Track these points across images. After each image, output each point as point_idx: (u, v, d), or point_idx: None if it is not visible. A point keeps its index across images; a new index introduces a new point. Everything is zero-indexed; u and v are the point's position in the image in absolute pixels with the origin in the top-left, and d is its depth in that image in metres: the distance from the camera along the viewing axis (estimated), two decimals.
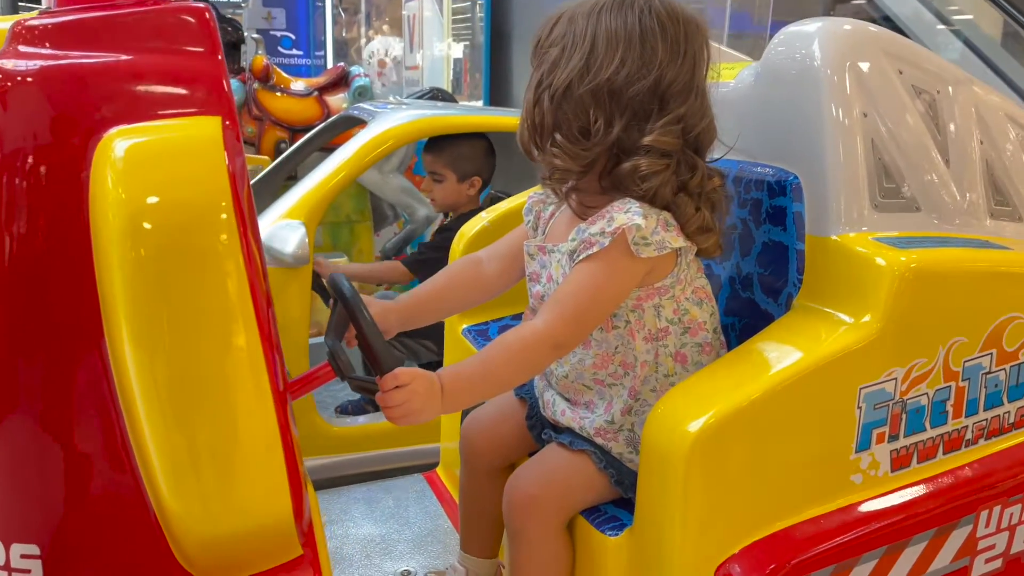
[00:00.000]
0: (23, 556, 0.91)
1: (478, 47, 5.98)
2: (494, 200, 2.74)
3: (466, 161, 2.38)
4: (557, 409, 1.29)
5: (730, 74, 1.41)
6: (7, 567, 0.91)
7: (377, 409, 1.12)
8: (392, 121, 2.35)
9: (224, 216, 0.83)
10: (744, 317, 1.37)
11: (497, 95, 5.20)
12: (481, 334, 1.82)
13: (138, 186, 0.82)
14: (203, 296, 0.83)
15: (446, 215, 2.55)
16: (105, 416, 0.89)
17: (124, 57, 0.89)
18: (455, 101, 3.76)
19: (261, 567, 0.95)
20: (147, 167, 0.83)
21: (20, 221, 0.86)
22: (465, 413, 1.72)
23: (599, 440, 1.23)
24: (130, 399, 0.86)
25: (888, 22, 4.30)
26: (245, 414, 0.86)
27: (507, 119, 2.56)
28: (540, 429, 1.37)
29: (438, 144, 2.39)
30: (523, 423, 1.40)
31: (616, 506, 1.24)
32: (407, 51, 7.28)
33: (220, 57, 0.91)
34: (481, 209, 2.53)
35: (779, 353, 1.14)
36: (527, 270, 1.32)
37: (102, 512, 0.91)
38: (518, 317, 1.81)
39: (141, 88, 0.88)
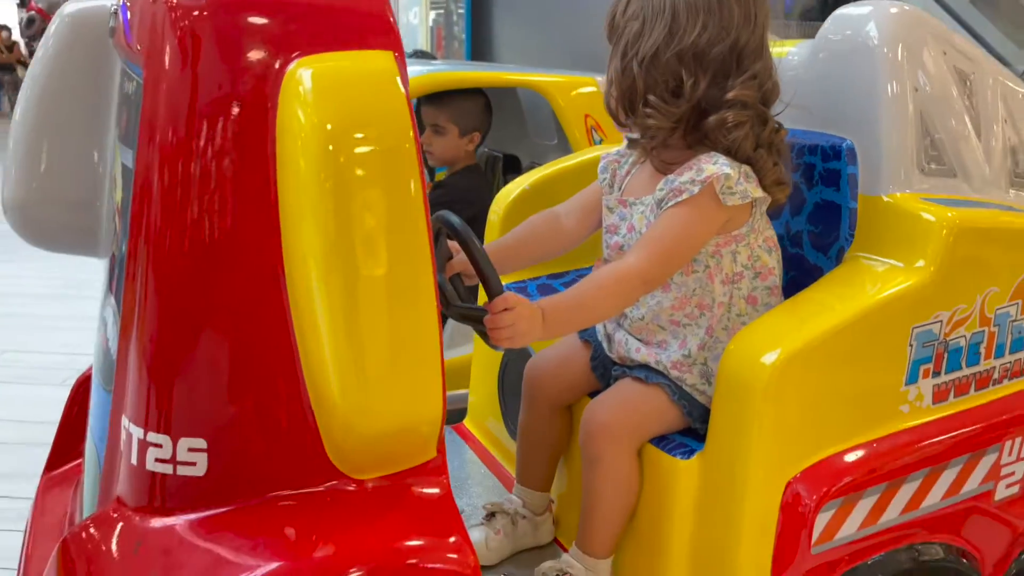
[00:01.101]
0: (190, 450, 0.99)
1: (451, 14, 6.06)
2: (490, 158, 2.82)
3: (469, 115, 2.44)
4: (631, 347, 1.41)
5: (783, 51, 1.55)
6: (173, 459, 0.99)
7: (484, 336, 1.22)
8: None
9: (408, 144, 0.92)
10: (791, 271, 1.50)
11: (478, 57, 5.27)
12: (520, 291, 1.93)
13: (330, 108, 0.91)
14: (390, 214, 0.92)
15: (432, 177, 2.59)
16: (278, 327, 0.97)
17: None
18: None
19: (404, 466, 1.04)
20: (336, 91, 0.92)
21: (209, 145, 0.94)
22: (504, 365, 1.83)
23: (675, 373, 1.35)
24: (305, 304, 0.95)
25: None
26: (414, 322, 0.96)
27: (509, 75, 2.64)
28: (605, 369, 1.49)
29: (441, 98, 2.42)
30: (586, 364, 1.51)
31: (682, 435, 1.36)
32: None
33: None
34: (476, 165, 2.61)
35: (842, 295, 1.28)
36: (605, 222, 1.44)
37: (267, 412, 1.00)
38: (554, 277, 1.93)
39: (318, 21, 0.96)
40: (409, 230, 0.95)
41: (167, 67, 0.95)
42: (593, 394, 1.51)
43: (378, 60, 0.95)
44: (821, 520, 1.22)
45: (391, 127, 0.93)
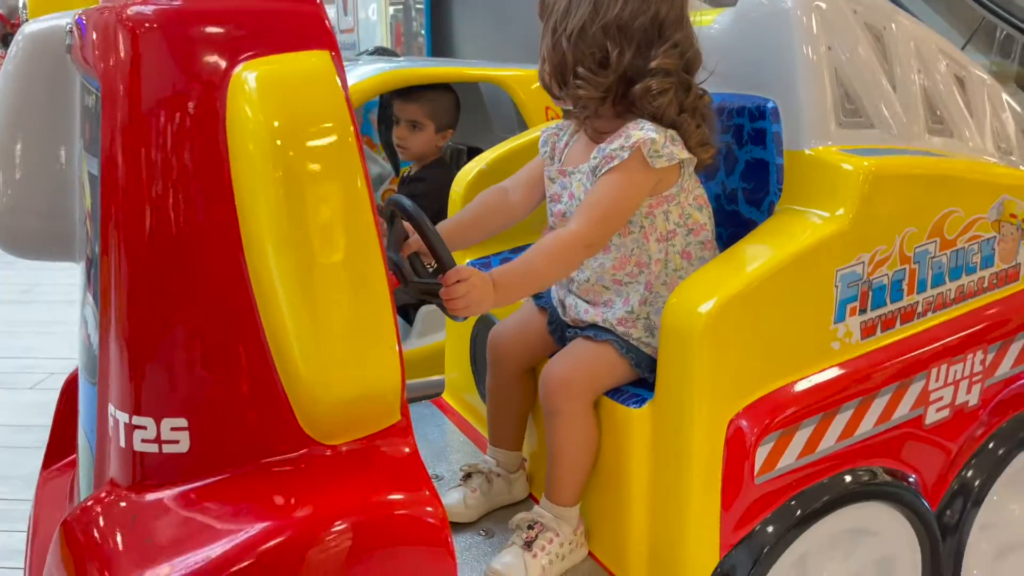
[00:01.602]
0: (173, 429, 1.08)
1: (410, 10, 6.08)
2: (455, 152, 2.91)
3: (444, 112, 2.53)
4: (580, 309, 1.51)
5: (708, 20, 1.64)
6: (158, 439, 1.09)
7: (442, 307, 1.31)
8: (371, 71, 2.49)
9: (349, 137, 1.01)
10: (730, 227, 1.60)
11: (439, 53, 5.33)
12: (484, 266, 2.03)
13: (275, 107, 0.99)
14: (337, 200, 1.01)
15: (397, 172, 2.66)
16: (243, 309, 1.06)
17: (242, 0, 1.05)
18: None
19: (372, 430, 1.14)
20: (280, 91, 1.01)
21: (166, 147, 1.03)
22: (473, 340, 1.93)
23: (621, 329, 1.45)
24: (267, 286, 1.04)
25: None
26: (367, 297, 1.05)
27: (474, 70, 2.73)
28: (561, 332, 1.59)
29: (418, 94, 2.51)
30: (544, 329, 1.61)
31: (634, 387, 1.46)
32: (340, 14, 7.34)
33: (320, 2, 1.08)
34: (443, 159, 2.70)
35: (770, 245, 1.38)
36: (548, 192, 1.53)
37: (240, 389, 1.09)
38: (516, 251, 2.02)
39: (258, 27, 1.04)
40: (356, 213, 1.04)
41: (122, 77, 1.03)
42: (553, 356, 1.61)
43: (316, 60, 1.04)
44: (762, 452, 1.32)
45: (332, 120, 1.02)
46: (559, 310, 1.58)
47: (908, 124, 1.57)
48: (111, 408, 1.12)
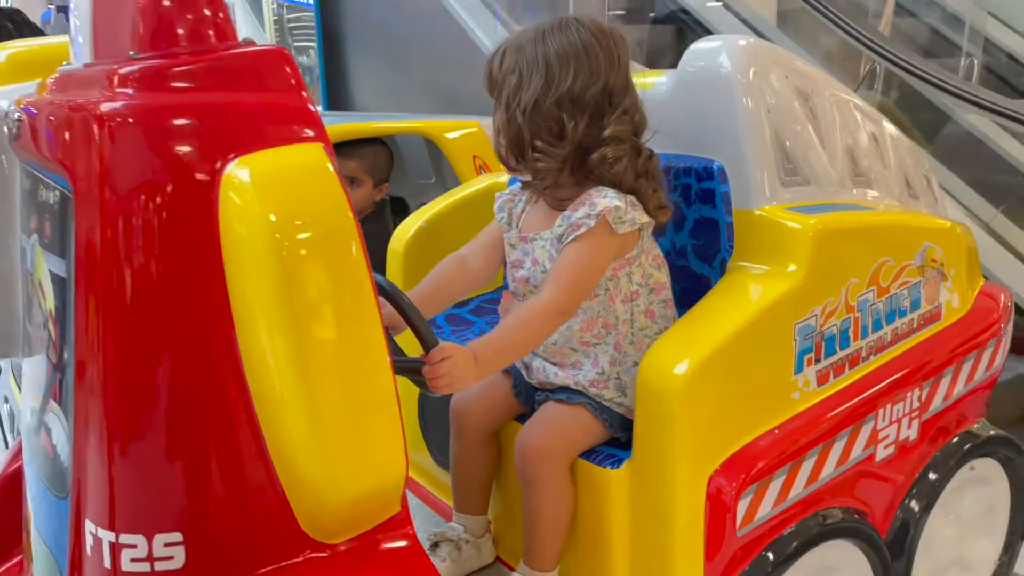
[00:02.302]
0: (167, 544, 1.02)
1: (303, 51, 6.00)
2: (382, 202, 2.90)
3: (381, 168, 2.52)
4: (549, 372, 1.52)
5: (649, 83, 1.70)
6: (149, 558, 1.02)
7: (422, 385, 1.29)
8: None
9: (348, 223, 0.99)
10: (681, 282, 1.65)
11: (335, 100, 5.28)
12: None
13: (273, 201, 0.96)
14: (340, 289, 0.98)
15: None
16: (236, 408, 1.02)
17: (226, 95, 1.01)
18: None
19: (372, 524, 1.11)
20: (276, 186, 0.97)
21: (153, 248, 0.97)
22: (422, 398, 1.91)
23: (593, 390, 1.47)
24: (266, 385, 1.00)
25: (685, 13, 4.85)
26: (372, 385, 1.03)
27: (400, 123, 2.74)
28: (526, 395, 1.59)
29: (353, 149, 2.49)
30: (509, 392, 1.61)
31: (608, 446, 1.49)
32: None
33: (306, 93, 1.05)
34: (377, 212, 2.68)
35: (734, 303, 1.44)
36: (509, 258, 1.54)
37: (239, 494, 1.04)
38: (460, 305, 2.01)
39: (250, 121, 1.01)
40: (358, 302, 1.02)
41: (101, 176, 0.97)
42: (518, 418, 1.61)
43: (309, 153, 1.01)
44: (742, 505, 1.37)
45: (330, 210, 1.00)
46: (524, 373, 1.59)
47: (836, 179, 1.67)
48: (90, 525, 1.04)
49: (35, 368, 1.21)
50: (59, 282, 1.07)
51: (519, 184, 1.57)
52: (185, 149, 0.98)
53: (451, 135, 2.70)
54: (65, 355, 1.07)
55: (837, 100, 1.74)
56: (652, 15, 5.25)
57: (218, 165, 0.97)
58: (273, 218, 0.96)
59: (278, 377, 0.99)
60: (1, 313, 1.28)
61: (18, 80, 1.46)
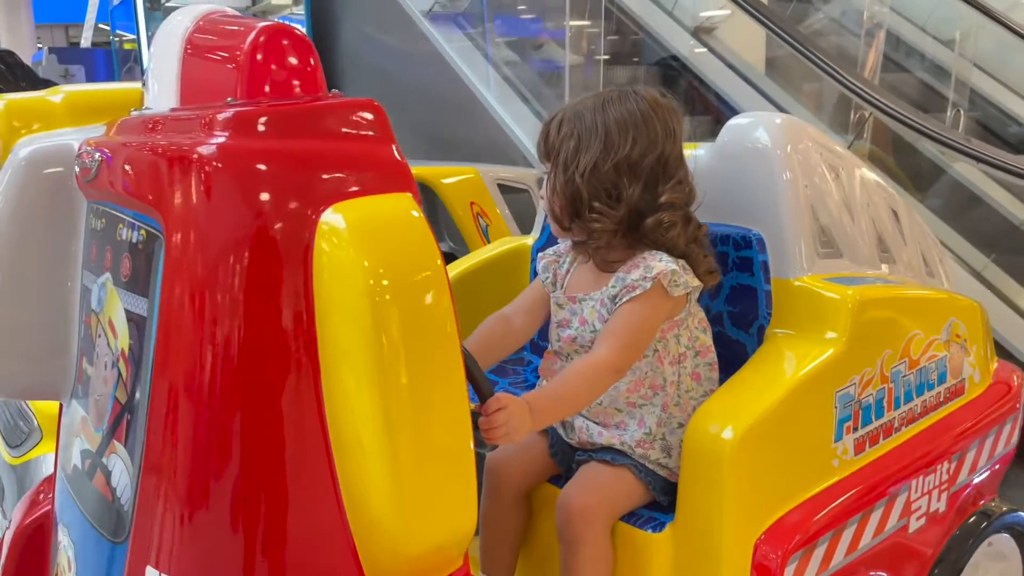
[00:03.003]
0: None
1: None
2: None
3: None
4: (592, 432, 1.52)
5: (687, 154, 1.75)
6: None
7: (476, 438, 1.29)
8: None
9: (439, 274, 1.01)
10: (716, 348, 1.68)
11: None
12: None
13: (367, 249, 0.97)
14: (427, 337, 0.99)
15: None
16: (316, 457, 1.01)
17: (323, 143, 1.03)
18: None
19: None
20: (371, 234, 0.99)
21: (248, 284, 0.97)
22: None
23: (639, 451, 1.47)
24: (347, 434, 0.99)
25: (675, 60, 4.97)
26: (452, 437, 1.02)
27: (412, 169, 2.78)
28: (563, 455, 1.59)
29: None
30: (545, 452, 1.61)
31: (648, 509, 1.48)
32: None
33: (395, 144, 1.08)
34: None
35: (778, 370, 1.47)
36: (555, 318, 1.56)
37: (309, 545, 1.02)
38: None
39: (344, 170, 1.03)
40: (445, 352, 1.02)
41: (194, 220, 0.98)
42: (553, 480, 1.60)
43: (400, 202, 1.03)
44: (788, 573, 1.37)
45: (421, 258, 1.01)
46: (562, 432, 1.59)
47: (866, 253, 1.73)
48: (151, 572, 1.01)
49: (92, 408, 1.19)
50: (138, 321, 1.06)
51: (561, 246, 1.60)
52: (280, 195, 0.99)
53: (448, 181, 2.72)
54: (137, 395, 1.05)
55: (862, 176, 1.80)
56: (636, 60, 5.34)
57: (312, 212, 0.98)
58: (367, 264, 0.97)
59: (360, 423, 0.99)
60: (50, 362, 1.25)
61: (75, 123, 1.47)
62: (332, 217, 0.99)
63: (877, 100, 3.42)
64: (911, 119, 3.34)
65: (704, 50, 4.88)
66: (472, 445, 1.05)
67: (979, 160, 3.24)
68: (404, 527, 1.01)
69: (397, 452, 0.99)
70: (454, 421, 1.03)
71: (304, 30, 5.34)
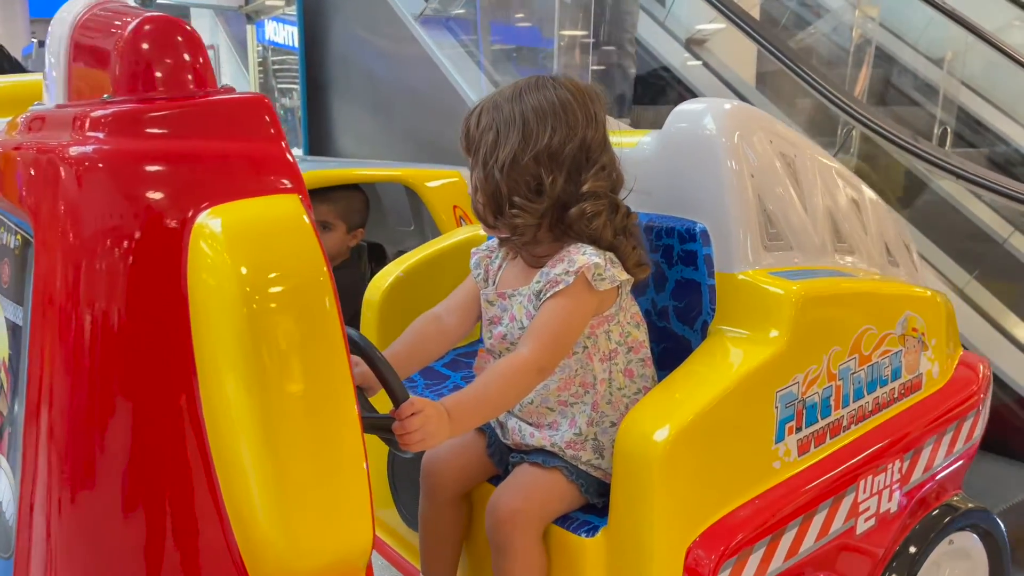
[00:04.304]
0: None
1: (285, 93, 6.02)
2: (357, 249, 2.88)
3: (355, 212, 2.49)
4: (524, 433, 1.48)
5: (632, 143, 1.69)
6: None
7: (393, 444, 1.25)
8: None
9: (322, 278, 0.95)
10: (662, 342, 1.63)
11: (316, 144, 5.27)
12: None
13: (244, 254, 0.92)
14: (308, 344, 0.94)
15: None
16: (195, 467, 0.96)
17: (203, 142, 0.98)
18: None
19: None
20: (248, 238, 0.94)
21: (120, 288, 0.93)
22: (392, 454, 1.85)
23: (570, 452, 1.43)
24: (228, 445, 0.95)
25: (666, 71, 4.92)
26: (340, 446, 0.98)
27: (381, 171, 2.73)
28: (501, 456, 1.55)
29: (329, 194, 2.47)
30: (483, 452, 1.57)
31: (583, 512, 1.44)
32: None
33: (285, 143, 1.02)
34: (352, 259, 2.65)
35: (714, 369, 1.41)
36: (485, 315, 1.51)
37: (191, 561, 0.98)
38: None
39: (224, 170, 0.97)
40: (329, 360, 0.97)
41: (63, 223, 0.93)
42: (492, 480, 1.56)
43: (285, 204, 0.98)
44: None
45: (304, 266, 0.96)
46: (499, 432, 1.54)
47: (818, 245, 1.66)
48: None
49: None
50: (15, 330, 1.01)
51: (496, 241, 1.54)
52: (154, 196, 0.94)
53: (431, 184, 2.69)
54: (16, 407, 1.01)
55: (819, 165, 1.74)
56: (632, 71, 5.32)
57: (189, 214, 0.94)
58: (244, 271, 0.92)
59: (242, 435, 0.94)
60: None
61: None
62: (210, 220, 0.94)
63: (858, 113, 3.36)
64: (890, 132, 3.28)
65: (697, 63, 4.83)
66: (364, 457, 1.00)
67: (959, 177, 3.18)
68: (290, 543, 0.97)
69: (278, 464, 0.94)
70: (342, 432, 0.98)
71: (296, 31, 5.29)
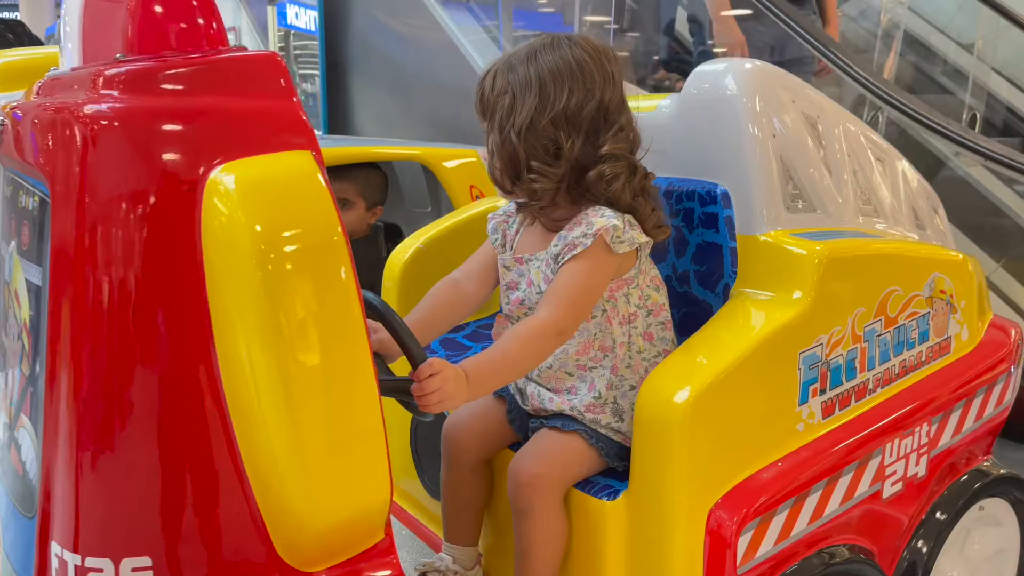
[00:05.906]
0: (135, 569, 0.96)
1: (307, 79, 6.02)
2: (372, 227, 2.88)
3: (375, 190, 2.50)
4: (544, 398, 1.47)
5: (651, 106, 1.67)
6: None
7: (412, 407, 1.24)
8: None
9: (336, 237, 0.95)
10: (683, 308, 1.61)
11: (336, 128, 5.28)
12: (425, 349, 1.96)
13: (258, 211, 0.92)
14: (326, 305, 0.94)
15: None
16: (213, 425, 0.97)
17: (216, 99, 0.98)
18: None
19: (354, 552, 1.05)
20: (262, 195, 0.93)
21: (130, 255, 0.93)
22: (415, 424, 1.85)
23: (589, 416, 1.42)
24: (246, 404, 0.95)
25: (689, 54, 4.86)
26: (358, 407, 0.98)
27: (399, 149, 2.73)
28: (521, 422, 1.54)
29: (347, 172, 2.47)
30: (503, 419, 1.56)
31: (604, 476, 1.43)
32: None
33: (297, 99, 1.02)
34: (371, 237, 2.65)
35: (736, 331, 1.39)
36: (503, 280, 1.50)
37: (213, 518, 0.98)
38: (456, 330, 1.96)
39: (237, 127, 0.97)
40: (345, 320, 0.97)
41: (79, 182, 0.94)
42: (512, 446, 1.56)
43: (298, 161, 0.98)
44: (743, 541, 1.31)
45: (318, 223, 0.96)
46: (518, 398, 1.54)
47: (843, 206, 1.63)
48: (56, 547, 0.99)
49: (8, 382, 1.16)
50: (35, 291, 1.02)
51: (512, 205, 1.53)
52: (168, 153, 0.94)
53: (449, 164, 2.68)
54: (37, 367, 1.02)
55: (845, 128, 1.70)
56: (656, 58, 5.27)
57: (202, 170, 0.93)
58: (259, 228, 0.92)
59: (258, 394, 0.94)
60: None
61: (10, 89, 1.43)
62: (223, 176, 0.94)
63: (886, 93, 3.29)
64: (919, 113, 3.21)
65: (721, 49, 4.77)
66: (380, 416, 1.00)
67: (987, 157, 3.10)
68: (307, 500, 0.97)
69: (295, 422, 0.95)
70: (358, 391, 0.98)
71: (316, 13, 5.29)
